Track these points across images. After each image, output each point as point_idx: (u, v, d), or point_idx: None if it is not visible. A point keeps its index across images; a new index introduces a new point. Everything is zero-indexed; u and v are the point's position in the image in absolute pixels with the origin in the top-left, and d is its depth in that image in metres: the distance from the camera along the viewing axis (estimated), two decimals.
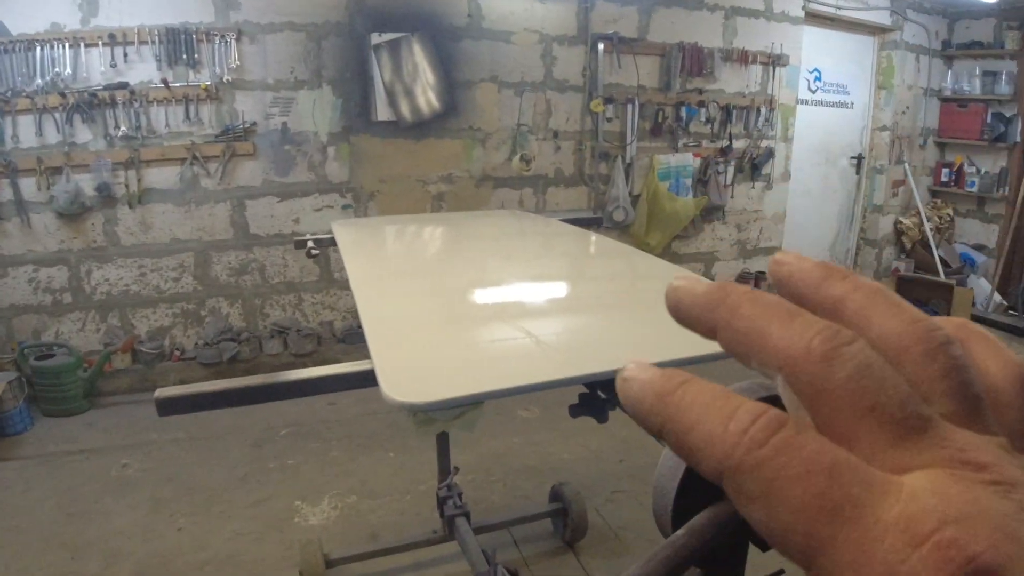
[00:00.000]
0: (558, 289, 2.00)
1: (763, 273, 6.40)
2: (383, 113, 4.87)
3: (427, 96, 4.90)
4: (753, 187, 6.25)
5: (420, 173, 5.12)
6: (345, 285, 5.15)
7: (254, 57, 4.67)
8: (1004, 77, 6.83)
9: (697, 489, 0.97)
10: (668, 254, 6.04)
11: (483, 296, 1.89)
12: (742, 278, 6.30)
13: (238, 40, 4.59)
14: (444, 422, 1.15)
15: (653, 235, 5.74)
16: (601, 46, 5.29)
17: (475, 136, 5.18)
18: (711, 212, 6.11)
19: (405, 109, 4.88)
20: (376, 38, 4.74)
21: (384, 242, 2.85)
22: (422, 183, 5.14)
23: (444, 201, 5.19)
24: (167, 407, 1.25)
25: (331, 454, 3.98)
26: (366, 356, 1.29)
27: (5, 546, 3.18)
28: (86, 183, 4.53)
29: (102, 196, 4.58)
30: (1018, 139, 6.78)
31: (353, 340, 5.21)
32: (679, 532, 0.91)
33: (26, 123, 4.39)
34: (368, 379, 1.24)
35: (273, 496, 3.56)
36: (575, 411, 1.47)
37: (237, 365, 4.90)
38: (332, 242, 2.64)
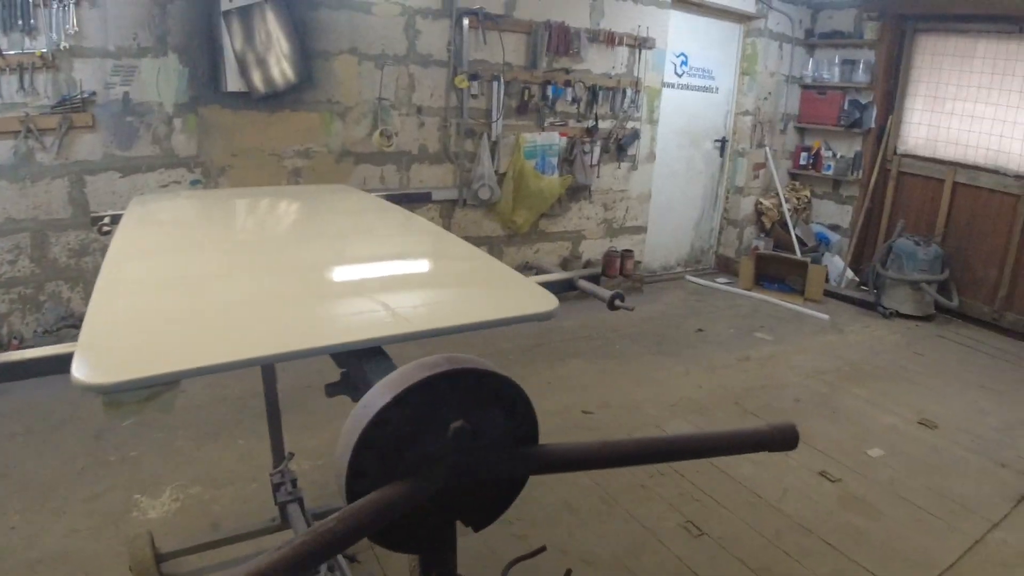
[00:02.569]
0: (339, 269, 1.91)
1: (629, 251, 6.55)
2: (234, 83, 4.63)
3: (281, 66, 4.71)
4: (619, 167, 6.37)
5: (275, 147, 4.92)
6: None
7: (94, 22, 4.34)
8: (862, 66, 7.21)
9: (376, 469, 0.93)
10: (535, 233, 6.08)
11: (240, 278, 1.75)
12: (609, 256, 6.42)
13: (77, 4, 4.25)
14: (135, 403, 1.08)
15: (520, 213, 5.76)
16: (466, 21, 5.22)
17: (334, 109, 5.02)
18: (578, 191, 6.18)
19: (258, 80, 4.66)
20: (226, 3, 4.49)
21: (174, 217, 2.55)
22: (277, 157, 4.95)
23: (301, 176, 5.02)
24: None
25: (176, 444, 3.80)
26: None
27: None
28: None
29: None
30: (872, 125, 7.19)
31: None
32: (328, 519, 0.88)
33: None
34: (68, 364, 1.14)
35: (111, 489, 3.37)
36: (331, 390, 1.44)
37: None
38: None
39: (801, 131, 7.93)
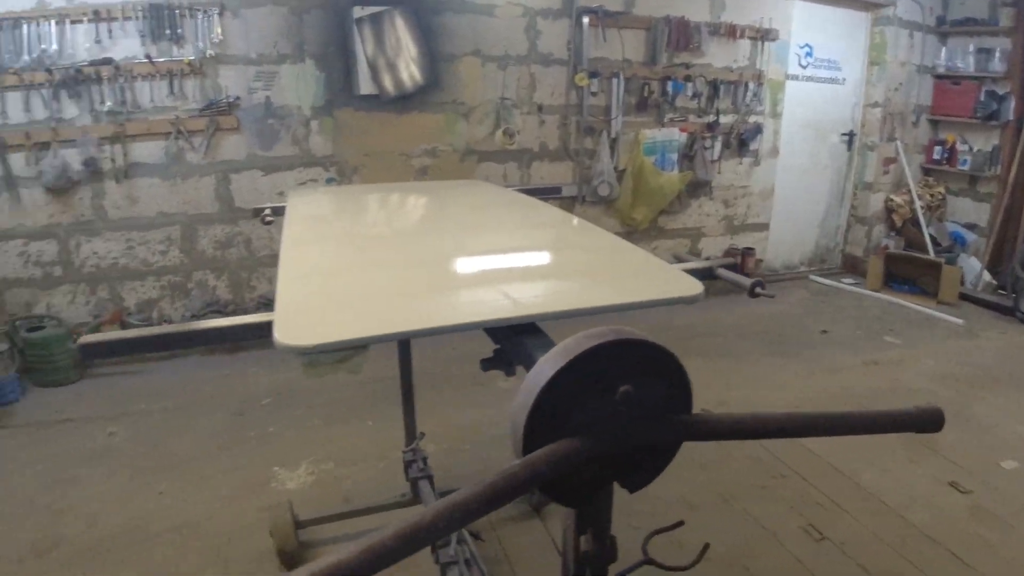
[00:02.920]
0: (483, 257, 2.03)
1: (751, 249, 6.42)
2: (366, 87, 4.89)
3: (410, 70, 4.92)
4: (741, 163, 6.25)
5: (403, 147, 5.15)
6: None
7: (237, 31, 4.70)
8: (998, 54, 6.76)
9: (546, 428, 1.02)
10: (654, 229, 6.06)
11: (404, 261, 1.92)
12: (729, 254, 6.32)
13: (221, 15, 4.62)
14: (330, 365, 1.22)
15: (639, 210, 5.76)
16: (586, 19, 5.28)
17: (458, 110, 5.20)
18: (698, 188, 6.11)
19: (388, 83, 4.90)
20: (358, 11, 4.75)
21: (333, 209, 2.84)
22: (405, 157, 5.18)
23: (428, 175, 5.23)
24: (91, 352, 1.32)
25: (311, 422, 4.05)
26: None
27: None
28: (73, 158, 4.59)
29: (89, 170, 4.64)
30: (1011, 117, 6.72)
31: None
32: (515, 463, 0.96)
33: (14, 99, 4.46)
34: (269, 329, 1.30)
35: (252, 463, 3.64)
36: (486, 365, 1.53)
37: None
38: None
39: (934, 124, 7.51)
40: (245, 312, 5.10)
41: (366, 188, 4.22)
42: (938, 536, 3.12)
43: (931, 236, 7.04)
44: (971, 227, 7.33)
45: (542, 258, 1.99)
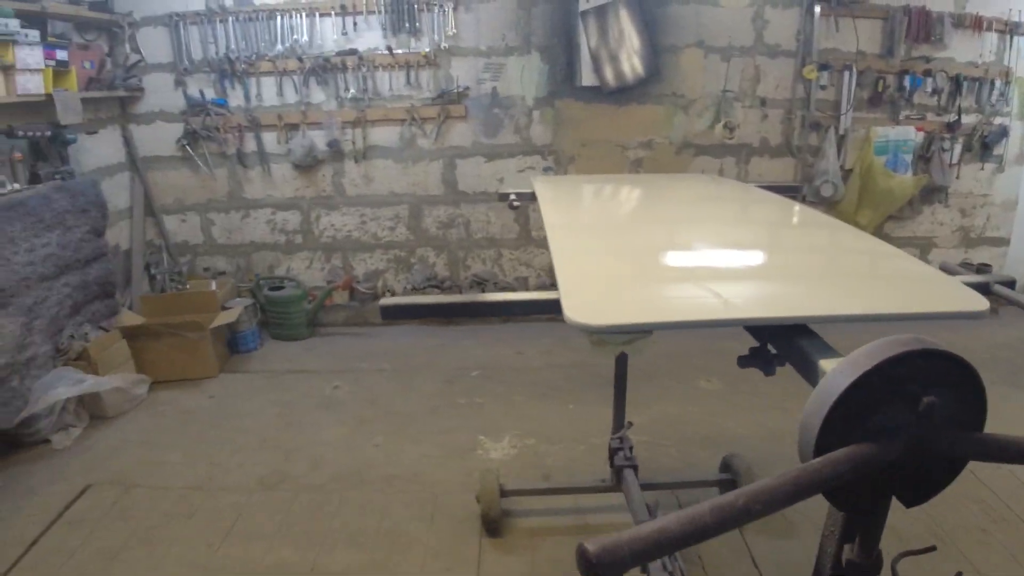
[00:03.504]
0: (744, 252, 2.08)
1: (987, 265, 5.82)
2: (587, 78, 4.99)
3: (631, 62, 4.95)
4: (982, 168, 5.67)
5: (620, 138, 5.21)
6: (542, 244, 5.40)
7: (468, 25, 4.97)
8: None
9: (840, 430, 1.04)
10: (880, 236, 5.62)
11: (668, 251, 2.06)
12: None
13: (455, 9, 4.91)
14: (615, 345, 1.33)
15: (864, 213, 5.42)
16: (818, 8, 5.02)
17: (677, 102, 5.16)
18: (932, 193, 5.62)
19: (609, 75, 4.97)
20: (584, 4, 4.85)
21: (580, 197, 3.04)
22: (621, 148, 5.23)
23: (642, 167, 5.24)
24: (389, 313, 1.54)
25: (515, 398, 4.26)
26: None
27: (228, 441, 3.79)
28: (319, 139, 5.11)
29: (332, 151, 5.14)
30: None
31: None
32: (816, 460, 0.99)
33: (268, 84, 5.05)
34: (553, 307, 1.47)
35: (460, 428, 3.91)
36: (743, 362, 1.55)
37: None
38: (531, 197, 2.85)
39: None
40: (460, 288, 5.43)
41: (604, 178, 4.35)
42: None
43: None
44: None
45: (806, 258, 2.01)
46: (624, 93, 5.06)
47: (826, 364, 1.21)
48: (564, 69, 5.04)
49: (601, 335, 1.34)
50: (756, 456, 3.47)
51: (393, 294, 5.47)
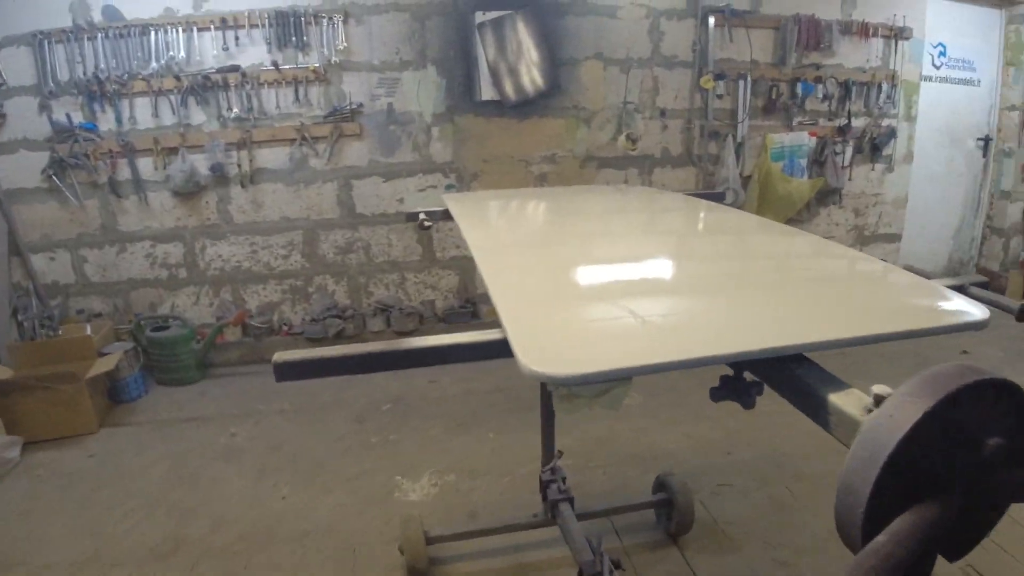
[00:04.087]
0: (706, 265, 1.88)
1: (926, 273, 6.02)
2: (487, 92, 4.83)
3: (531, 74, 4.82)
4: (873, 169, 5.88)
5: (523, 153, 5.06)
6: (447, 265, 5.18)
7: (360, 39, 4.72)
8: None
9: (894, 491, 0.85)
10: None
11: (620, 269, 1.82)
12: None
13: (345, 22, 4.65)
14: (588, 399, 1.07)
15: (765, 218, 5.48)
16: (712, 19, 5.06)
17: (579, 115, 5.07)
18: (827, 195, 5.78)
19: (509, 88, 4.82)
20: (480, 16, 4.70)
21: (499, 213, 2.81)
22: (525, 163, 5.09)
23: (547, 181, 5.12)
24: (285, 371, 1.22)
25: (431, 431, 3.99)
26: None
27: (116, 507, 3.34)
28: (200, 163, 4.70)
29: (215, 175, 4.75)
30: None
31: (454, 320, 5.23)
32: (880, 538, 0.79)
33: (143, 105, 4.61)
34: (498, 350, 1.18)
35: (374, 470, 3.61)
36: (716, 395, 1.36)
37: (342, 341, 4.99)
38: (442, 215, 2.62)
39: None
40: (363, 317, 5.12)
41: (519, 192, 4.18)
42: None
43: None
44: None
45: (780, 275, 1.78)
46: (525, 107, 4.93)
47: (841, 401, 1.02)
48: (462, 83, 4.86)
49: (571, 388, 1.10)
50: (688, 469, 3.37)
51: (291, 327, 5.10)
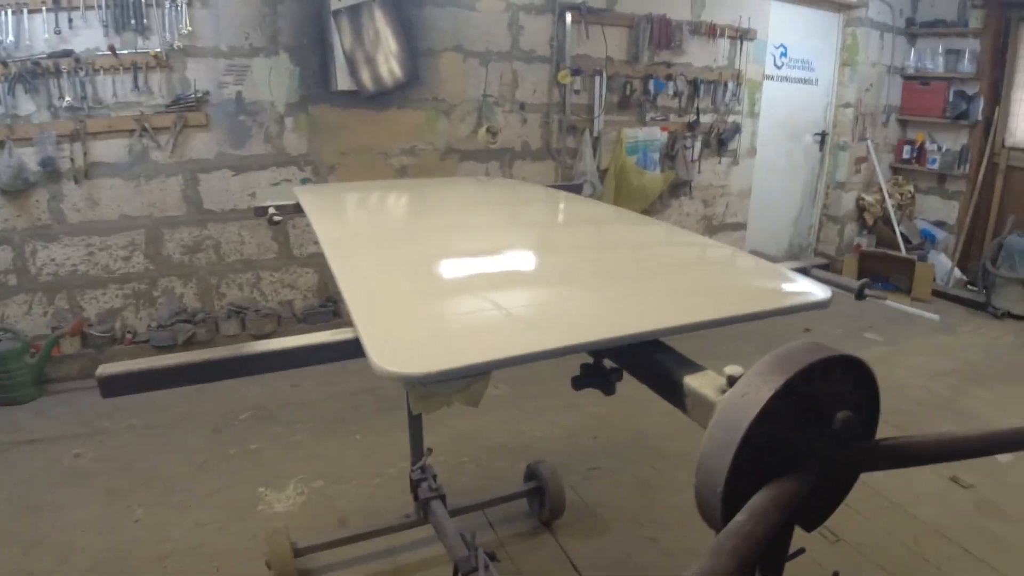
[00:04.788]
0: (561, 256, 1.89)
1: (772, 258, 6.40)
2: (343, 82, 4.67)
3: (389, 65, 4.72)
4: (720, 162, 6.21)
5: (382, 145, 4.95)
6: (305, 263, 4.99)
7: (206, 22, 4.43)
8: (967, 55, 6.88)
9: (751, 469, 0.86)
10: None
11: (474, 263, 1.79)
12: None
13: (189, 4, 4.35)
14: (446, 396, 1.04)
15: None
16: (569, 16, 5.16)
17: (439, 107, 5.02)
18: (678, 187, 6.06)
19: (366, 78, 4.69)
20: (336, 3, 4.53)
21: (352, 207, 2.72)
22: (384, 155, 4.97)
23: (407, 174, 5.03)
24: (112, 386, 1.09)
25: (295, 438, 3.82)
26: None
27: None
28: (29, 157, 4.25)
29: (46, 171, 4.30)
30: (979, 117, 6.86)
31: (315, 320, 5.05)
32: (739, 517, 0.80)
33: None
34: (351, 350, 1.13)
35: (235, 483, 3.40)
36: (579, 383, 1.36)
37: (193, 347, 4.69)
38: (294, 209, 2.49)
39: (903, 124, 7.62)
40: (215, 320, 4.84)
41: (374, 184, 4.05)
42: (948, 532, 3.11)
43: (902, 234, 7.13)
44: (940, 224, 7.46)
45: (636, 264, 1.82)
46: (384, 98, 4.82)
47: (693, 381, 1.05)
48: (317, 72, 4.68)
49: (428, 386, 1.06)
50: (558, 458, 3.41)
51: (135, 335, 4.74)
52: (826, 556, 2.90)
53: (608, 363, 1.33)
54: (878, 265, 6.83)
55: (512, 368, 1.05)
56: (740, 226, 6.64)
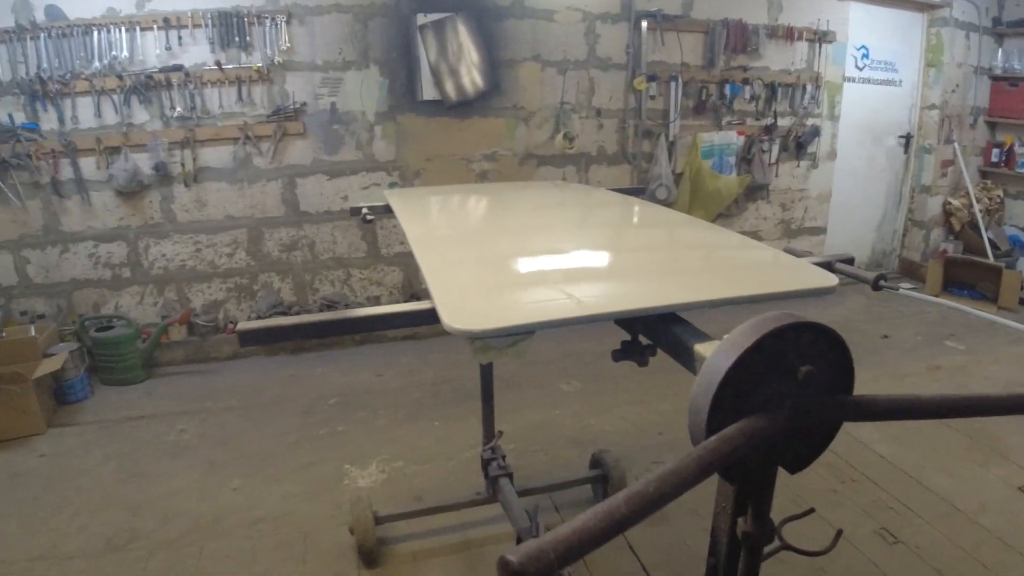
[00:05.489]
0: (608, 252, 2.13)
1: (808, 254, 6.35)
2: (428, 93, 4.96)
3: (471, 75, 4.98)
4: (798, 166, 6.20)
5: (464, 151, 5.22)
6: (392, 261, 5.29)
7: (303, 39, 4.80)
8: None
9: (728, 408, 1.05)
10: None
11: (534, 255, 2.05)
12: None
13: (287, 22, 4.72)
14: (498, 350, 1.28)
15: (696, 213, 5.73)
16: (644, 23, 5.29)
17: (518, 115, 5.25)
18: (755, 191, 6.08)
19: (450, 88, 4.96)
20: (422, 18, 4.83)
21: (435, 208, 2.99)
22: (466, 161, 5.24)
23: (488, 179, 5.28)
24: (247, 338, 1.38)
25: (378, 422, 4.11)
26: None
27: (66, 505, 3.37)
28: (143, 162, 4.72)
29: (159, 175, 4.77)
30: None
31: None
32: (711, 438, 1.00)
33: (85, 105, 4.59)
34: (429, 317, 1.41)
35: (323, 460, 3.71)
36: (617, 356, 1.56)
37: None
38: (384, 210, 2.76)
39: (991, 126, 7.36)
40: (309, 314, 5.20)
41: (456, 188, 4.30)
42: (1011, 540, 3.06)
43: (990, 240, 6.90)
44: None
45: (668, 252, 2.08)
46: (466, 107, 5.08)
47: (701, 348, 1.27)
48: (404, 83, 4.98)
49: (484, 340, 1.29)
50: (623, 449, 3.55)
51: (236, 325, 5.14)
52: (884, 558, 2.94)
53: (643, 339, 1.52)
54: (963, 272, 6.65)
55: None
56: (820, 230, 6.59)
